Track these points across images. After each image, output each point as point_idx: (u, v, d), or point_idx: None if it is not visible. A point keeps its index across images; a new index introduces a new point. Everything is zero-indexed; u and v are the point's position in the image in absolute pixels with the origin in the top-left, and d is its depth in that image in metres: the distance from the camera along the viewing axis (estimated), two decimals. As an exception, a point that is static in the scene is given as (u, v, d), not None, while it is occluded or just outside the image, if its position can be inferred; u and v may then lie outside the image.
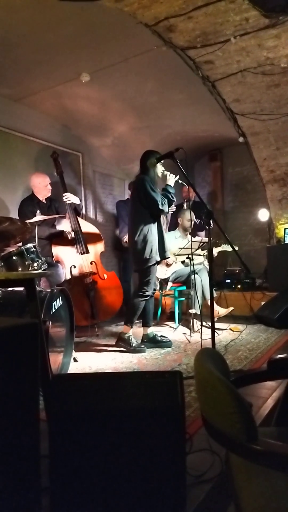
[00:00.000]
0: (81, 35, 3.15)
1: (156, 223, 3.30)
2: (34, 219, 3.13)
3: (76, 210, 4.06)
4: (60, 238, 3.88)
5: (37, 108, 4.31)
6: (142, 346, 3.29)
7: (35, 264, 2.24)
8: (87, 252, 3.96)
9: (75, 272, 3.87)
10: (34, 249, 2.32)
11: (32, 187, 3.90)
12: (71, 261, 3.89)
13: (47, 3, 2.73)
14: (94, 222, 5.12)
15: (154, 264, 3.27)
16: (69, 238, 3.86)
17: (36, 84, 3.85)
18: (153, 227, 3.26)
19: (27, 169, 4.20)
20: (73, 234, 3.89)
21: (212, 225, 2.60)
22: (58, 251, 3.86)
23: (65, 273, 3.90)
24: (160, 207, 3.18)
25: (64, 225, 3.97)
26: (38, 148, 4.37)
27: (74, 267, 3.87)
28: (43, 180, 3.87)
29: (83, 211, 4.94)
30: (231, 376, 1.08)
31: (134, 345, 3.25)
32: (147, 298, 3.32)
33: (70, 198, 3.97)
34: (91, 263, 3.97)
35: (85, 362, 2.90)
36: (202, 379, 0.90)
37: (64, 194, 3.98)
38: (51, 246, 3.86)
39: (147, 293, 3.28)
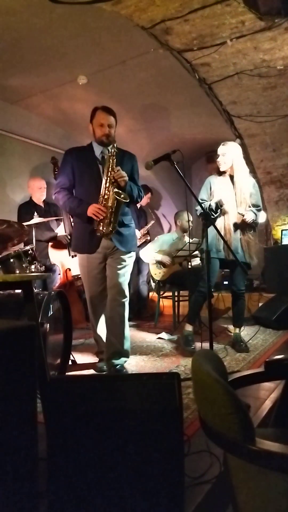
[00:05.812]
0: (78, 38, 3.16)
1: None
2: (31, 222, 3.13)
3: None
4: (56, 242, 3.89)
5: (34, 111, 4.32)
6: (192, 347, 3.06)
7: (33, 266, 2.25)
8: None
9: (68, 275, 3.88)
10: (32, 252, 2.32)
11: (29, 190, 3.94)
12: (64, 264, 3.90)
13: (44, 6, 2.73)
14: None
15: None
16: (64, 242, 3.88)
17: (33, 87, 3.86)
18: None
19: (24, 171, 4.20)
20: (68, 237, 3.90)
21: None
22: (52, 254, 3.88)
23: (59, 276, 3.92)
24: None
25: (60, 229, 3.99)
26: (36, 151, 4.37)
27: (70, 270, 3.88)
28: (38, 182, 3.94)
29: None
30: (229, 378, 1.08)
31: (187, 346, 3.05)
32: (202, 294, 3.13)
33: None
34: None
35: (83, 364, 2.89)
36: (200, 381, 0.90)
37: None
38: (48, 249, 3.87)
39: (201, 289, 3.17)
